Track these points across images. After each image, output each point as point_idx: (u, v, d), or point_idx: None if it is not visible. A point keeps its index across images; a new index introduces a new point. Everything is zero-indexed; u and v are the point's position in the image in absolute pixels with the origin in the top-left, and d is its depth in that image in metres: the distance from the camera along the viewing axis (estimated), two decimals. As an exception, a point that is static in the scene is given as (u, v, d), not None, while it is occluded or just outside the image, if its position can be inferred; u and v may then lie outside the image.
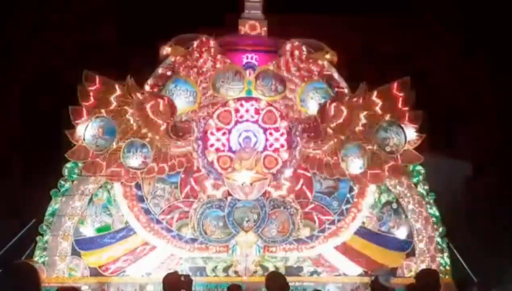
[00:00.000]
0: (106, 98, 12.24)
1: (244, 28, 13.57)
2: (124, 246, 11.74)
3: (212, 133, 12.53)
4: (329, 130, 12.48)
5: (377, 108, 12.76)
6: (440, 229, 12.35)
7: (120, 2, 15.24)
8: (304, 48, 13.24)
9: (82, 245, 11.65)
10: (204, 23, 14.38)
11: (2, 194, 11.65)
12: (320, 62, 13.28)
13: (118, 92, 12.26)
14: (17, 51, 14.35)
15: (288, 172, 12.39)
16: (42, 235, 11.51)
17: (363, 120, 12.65)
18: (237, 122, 12.68)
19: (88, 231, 11.79)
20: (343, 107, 12.58)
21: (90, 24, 15.16)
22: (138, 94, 12.22)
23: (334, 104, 12.65)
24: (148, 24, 15.41)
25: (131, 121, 12.22)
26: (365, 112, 12.66)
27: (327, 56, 13.30)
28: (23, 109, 14.47)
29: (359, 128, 12.62)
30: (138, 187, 12.18)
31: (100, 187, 12.03)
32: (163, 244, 11.81)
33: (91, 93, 12.22)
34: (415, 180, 12.69)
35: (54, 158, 12.21)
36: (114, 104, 12.21)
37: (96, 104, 12.19)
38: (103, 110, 12.17)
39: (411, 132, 12.76)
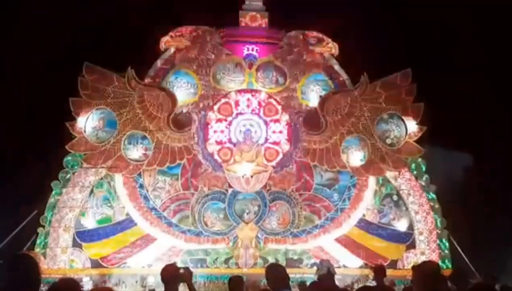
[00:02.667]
0: (105, 89, 12.25)
1: (245, 20, 13.49)
2: (125, 237, 11.79)
3: (212, 126, 12.51)
4: (330, 123, 12.47)
5: (381, 100, 12.76)
6: (440, 221, 12.37)
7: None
8: (305, 40, 13.17)
9: (83, 236, 11.71)
10: (205, 14, 14.24)
11: (3, 186, 11.62)
12: (320, 54, 13.23)
13: (116, 83, 12.27)
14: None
15: (289, 164, 12.42)
16: (43, 226, 11.56)
17: (367, 113, 12.66)
18: (237, 114, 12.66)
19: (89, 223, 11.83)
20: (343, 100, 12.56)
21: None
22: (138, 86, 12.21)
23: (335, 96, 12.63)
24: (148, 14, 15.24)
25: (132, 114, 12.23)
26: (369, 105, 12.66)
27: (328, 48, 13.25)
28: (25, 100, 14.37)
29: (362, 121, 12.63)
30: (139, 178, 12.20)
31: (101, 179, 12.06)
32: (163, 235, 11.84)
33: (91, 84, 12.24)
34: (415, 172, 12.68)
35: (55, 149, 12.19)
36: (112, 95, 12.22)
37: (95, 95, 12.20)
38: (103, 102, 12.18)
39: (412, 125, 12.75)
